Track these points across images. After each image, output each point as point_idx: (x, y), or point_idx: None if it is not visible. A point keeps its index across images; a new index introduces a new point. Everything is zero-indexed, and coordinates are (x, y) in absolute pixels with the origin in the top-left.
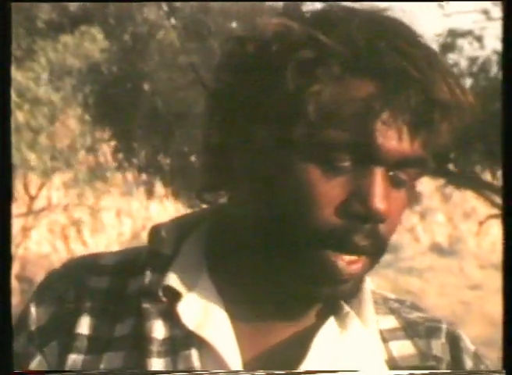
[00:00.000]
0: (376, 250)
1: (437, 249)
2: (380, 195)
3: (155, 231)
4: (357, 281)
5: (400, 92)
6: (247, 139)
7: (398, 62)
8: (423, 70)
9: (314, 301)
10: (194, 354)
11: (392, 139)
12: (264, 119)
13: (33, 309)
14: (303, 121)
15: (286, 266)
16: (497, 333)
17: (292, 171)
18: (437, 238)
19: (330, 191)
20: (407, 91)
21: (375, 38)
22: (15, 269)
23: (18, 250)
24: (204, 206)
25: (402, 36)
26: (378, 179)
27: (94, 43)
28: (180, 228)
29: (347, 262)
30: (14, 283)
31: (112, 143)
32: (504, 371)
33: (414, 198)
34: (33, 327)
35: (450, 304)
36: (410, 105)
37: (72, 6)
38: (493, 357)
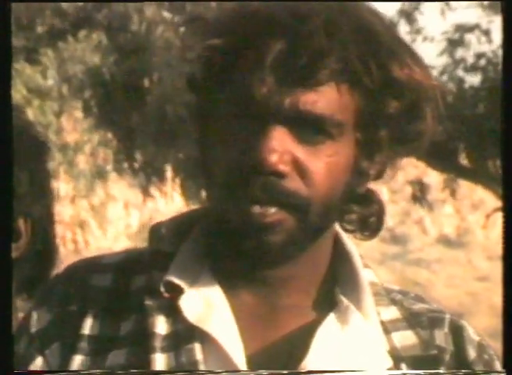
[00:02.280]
0: (292, 205)
1: (445, 241)
2: (270, 148)
3: (155, 229)
4: (287, 236)
5: (271, 45)
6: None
7: (283, 16)
8: (299, 19)
9: (249, 253)
10: (197, 347)
11: (272, 92)
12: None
13: (34, 313)
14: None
15: (227, 225)
16: None
17: (218, 133)
18: (445, 230)
19: (232, 146)
20: (280, 42)
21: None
22: None
23: None
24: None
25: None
26: (269, 132)
27: (95, 47)
28: (180, 225)
29: (260, 212)
30: None
31: (113, 145)
32: (504, 371)
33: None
34: (33, 330)
35: (458, 295)
36: (291, 55)
37: (71, 9)
38: (500, 349)
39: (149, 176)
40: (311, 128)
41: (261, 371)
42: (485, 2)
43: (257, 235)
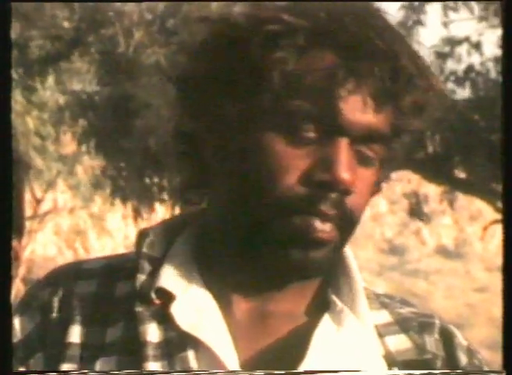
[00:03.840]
0: (344, 222)
1: (443, 252)
2: (345, 165)
3: (144, 234)
4: (330, 253)
5: (363, 61)
6: (217, 119)
7: (363, 33)
8: (388, 41)
9: (288, 267)
10: (191, 355)
11: (356, 109)
12: (233, 94)
13: (15, 322)
14: (268, 91)
15: (258, 235)
16: None
17: (260, 144)
18: (443, 241)
19: (295, 160)
20: (370, 60)
21: (338, 12)
22: (21, 271)
23: (24, 253)
24: (191, 208)
25: (367, 11)
26: (344, 149)
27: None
28: (168, 230)
29: (315, 228)
30: (20, 286)
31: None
32: (504, 371)
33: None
34: (15, 340)
35: (456, 306)
36: (373, 75)
37: (65, 34)
38: (499, 360)
39: (141, 201)
40: (369, 148)
41: (257, 372)
42: (478, 15)
43: (305, 249)
